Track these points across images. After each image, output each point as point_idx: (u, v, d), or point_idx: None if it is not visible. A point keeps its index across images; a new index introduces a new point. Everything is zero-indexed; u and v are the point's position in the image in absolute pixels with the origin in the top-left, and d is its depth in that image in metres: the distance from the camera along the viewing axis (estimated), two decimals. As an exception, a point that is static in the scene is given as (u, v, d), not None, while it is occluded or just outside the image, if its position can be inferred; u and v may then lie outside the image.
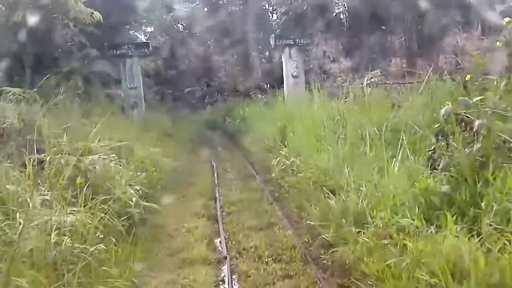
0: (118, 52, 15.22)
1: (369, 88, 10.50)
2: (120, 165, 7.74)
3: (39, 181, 5.01)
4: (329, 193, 5.87)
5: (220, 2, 28.46)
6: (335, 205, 5.42)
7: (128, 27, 19.66)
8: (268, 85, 21.59)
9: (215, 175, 10.66)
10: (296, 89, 15.20)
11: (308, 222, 5.87)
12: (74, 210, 4.61)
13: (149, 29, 28.59)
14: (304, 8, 21.31)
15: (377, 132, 6.45)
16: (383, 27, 21.95)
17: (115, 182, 6.03)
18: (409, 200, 4.36)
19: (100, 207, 4.85)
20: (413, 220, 3.96)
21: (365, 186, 5.20)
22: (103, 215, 4.80)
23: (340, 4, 22.49)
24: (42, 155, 5.58)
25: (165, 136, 14.29)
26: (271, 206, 7.62)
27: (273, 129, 11.09)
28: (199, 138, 17.67)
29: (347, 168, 6.16)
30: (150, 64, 21.46)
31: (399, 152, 5.35)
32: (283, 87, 17.85)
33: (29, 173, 4.88)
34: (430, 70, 8.28)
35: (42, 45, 11.87)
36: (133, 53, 15.44)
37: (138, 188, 6.68)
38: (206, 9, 29.32)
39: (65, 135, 7.15)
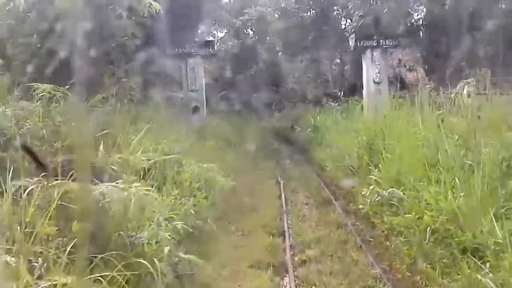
0: (179, 50, 13.44)
1: (469, 99, 8.09)
2: (158, 189, 5.83)
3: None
4: (473, 257, 3.56)
5: (291, 7, 26.75)
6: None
7: (194, 26, 18.00)
8: (342, 92, 19.29)
9: (283, 198, 8.47)
10: (378, 96, 12.74)
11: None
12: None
13: (219, 34, 27.49)
14: (385, 11, 18.86)
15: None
16: (469, 34, 19.24)
17: (142, 220, 4.05)
18: None
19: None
20: None
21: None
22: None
23: (421, 9, 20.02)
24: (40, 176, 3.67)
25: (227, 146, 12.34)
26: (363, 256, 5.29)
27: (355, 144, 8.78)
28: (265, 149, 15.51)
29: (493, 216, 3.80)
30: (215, 66, 19.76)
31: None
32: (359, 94, 15.53)
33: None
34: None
35: (91, 39, 10.24)
36: (196, 52, 13.64)
37: (180, 225, 4.69)
38: (276, 15, 27.70)
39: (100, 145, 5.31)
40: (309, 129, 14.83)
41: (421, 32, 20.57)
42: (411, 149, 6.08)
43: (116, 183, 3.83)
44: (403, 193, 5.63)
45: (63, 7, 9.15)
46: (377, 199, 5.84)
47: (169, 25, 13.04)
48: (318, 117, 14.99)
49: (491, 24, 17.96)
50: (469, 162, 4.98)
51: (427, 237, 4.38)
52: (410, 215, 4.95)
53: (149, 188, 5.22)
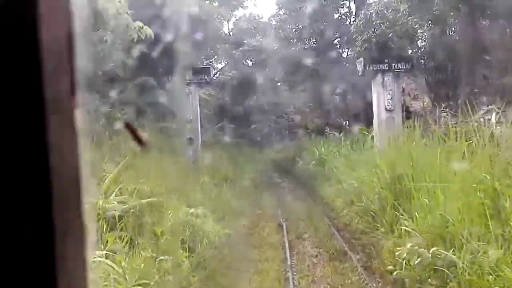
0: (172, 78, 12.06)
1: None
2: (130, 245, 4.33)
3: None
4: None
5: (291, 36, 25.82)
6: None
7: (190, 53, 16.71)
8: (347, 121, 17.90)
9: (287, 248, 6.83)
10: (390, 126, 11.27)
11: None
12: None
13: (219, 65, 26.53)
14: (390, 35, 17.69)
15: None
16: (478, 60, 18.05)
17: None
18: None
19: None
20: None
21: None
22: None
23: (424, 36, 18.89)
24: None
25: (222, 181, 10.79)
26: None
27: (373, 182, 7.24)
28: (264, 184, 13.89)
29: None
30: (213, 96, 18.42)
31: None
32: (365, 123, 14.13)
33: None
34: None
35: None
36: (191, 79, 12.26)
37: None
38: (276, 45, 26.75)
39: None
40: (313, 162, 13.25)
41: (424, 60, 19.38)
42: (462, 194, 4.53)
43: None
44: (454, 254, 4.07)
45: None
46: (417, 261, 4.26)
47: (162, 51, 11.72)
48: (323, 149, 13.45)
49: (501, 51, 16.78)
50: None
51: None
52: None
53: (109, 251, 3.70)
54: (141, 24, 9.33)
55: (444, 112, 13.34)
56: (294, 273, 5.78)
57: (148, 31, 9.45)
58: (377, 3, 18.75)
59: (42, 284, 0.37)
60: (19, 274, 0.36)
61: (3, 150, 0.36)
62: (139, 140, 0.65)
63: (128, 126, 0.65)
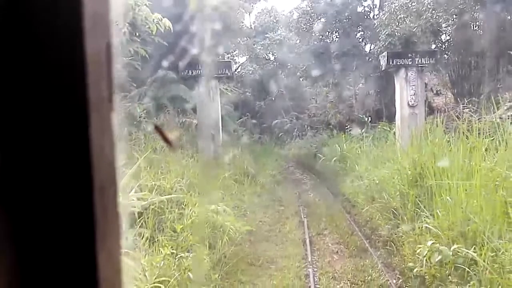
0: (193, 72, 12.12)
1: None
2: (150, 241, 4.40)
3: None
4: None
5: (313, 30, 25.57)
6: None
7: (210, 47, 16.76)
8: (369, 117, 17.72)
9: (307, 244, 6.87)
10: (412, 122, 11.15)
11: None
12: None
13: (240, 59, 26.48)
14: (414, 29, 17.40)
15: None
16: (502, 55, 17.61)
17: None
18: None
19: None
20: None
21: None
22: None
23: (448, 30, 18.51)
24: None
25: (244, 176, 10.87)
26: None
27: (394, 178, 7.20)
28: (286, 180, 13.91)
29: None
30: (234, 91, 18.44)
31: None
32: (387, 119, 14.06)
33: None
34: None
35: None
36: (212, 74, 12.32)
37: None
38: (298, 40, 26.56)
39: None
40: (335, 158, 13.20)
41: (447, 55, 19.00)
42: (484, 192, 4.49)
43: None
44: (475, 252, 4.05)
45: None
46: (438, 259, 4.24)
47: (182, 44, 11.80)
48: (345, 145, 13.38)
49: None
50: None
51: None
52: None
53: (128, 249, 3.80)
54: (160, 16, 9.36)
55: (467, 108, 13.12)
56: (315, 269, 5.82)
57: (168, 23, 9.43)
58: (401, -5, 18.47)
59: (84, 256, 0.43)
60: (66, 249, 0.43)
61: (53, 144, 0.42)
62: (167, 141, 0.70)
63: (157, 128, 0.71)
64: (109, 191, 0.45)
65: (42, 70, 0.41)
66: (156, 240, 4.93)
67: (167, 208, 5.51)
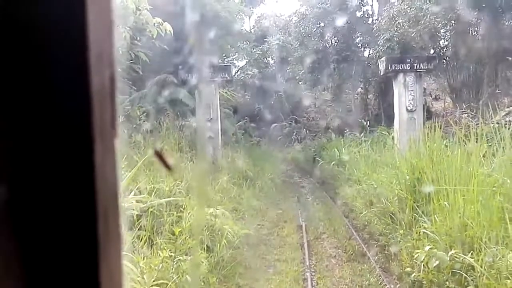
0: (193, 76, 12.16)
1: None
2: (148, 244, 4.41)
3: None
4: None
5: (312, 34, 25.65)
6: None
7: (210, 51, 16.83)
8: (368, 122, 17.77)
9: (305, 248, 6.89)
10: (411, 126, 11.20)
11: None
12: None
13: (239, 63, 26.52)
14: (413, 34, 17.46)
15: None
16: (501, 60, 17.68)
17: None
18: None
19: None
20: None
21: None
22: None
23: (447, 36, 18.58)
24: None
25: (242, 180, 10.89)
26: None
27: (393, 183, 7.23)
28: (284, 183, 13.93)
29: None
30: (233, 95, 18.47)
31: None
32: (386, 124, 14.12)
33: None
34: None
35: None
36: (211, 77, 12.36)
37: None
38: (297, 44, 26.64)
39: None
40: (333, 162, 13.23)
41: (446, 60, 19.06)
42: (481, 197, 4.51)
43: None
44: (472, 258, 4.06)
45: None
46: (435, 264, 4.26)
47: (182, 48, 11.83)
48: (343, 149, 13.41)
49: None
50: None
51: None
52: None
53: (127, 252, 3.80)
54: (160, 20, 9.40)
55: (465, 113, 13.17)
56: (313, 274, 5.83)
57: (168, 27, 9.47)
58: (400, 1, 18.54)
59: (88, 277, 0.45)
60: (69, 272, 0.45)
61: (59, 172, 0.44)
62: (167, 166, 0.72)
63: (157, 153, 0.72)
64: (112, 214, 0.47)
65: (51, 103, 0.42)
66: (154, 242, 4.94)
67: (165, 211, 5.53)
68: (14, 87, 0.42)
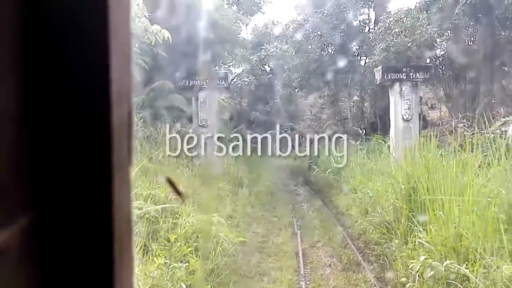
0: (190, 83, 12.21)
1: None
2: (143, 251, 4.41)
3: None
4: None
5: (309, 42, 25.78)
6: None
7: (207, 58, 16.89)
8: (364, 130, 17.85)
9: (300, 256, 6.91)
10: (406, 135, 11.28)
11: None
12: None
13: (236, 70, 26.63)
14: (409, 44, 17.60)
15: None
16: (497, 70, 17.84)
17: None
18: None
19: None
20: None
21: None
22: None
23: (443, 45, 18.75)
24: None
25: (238, 187, 10.93)
26: None
27: (388, 192, 7.27)
28: (280, 191, 13.96)
29: None
30: (230, 102, 18.51)
31: None
32: (382, 132, 14.23)
33: None
34: None
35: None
36: (208, 84, 12.42)
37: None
38: (294, 52, 26.77)
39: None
40: (329, 170, 13.28)
41: (442, 69, 19.22)
42: (476, 208, 4.56)
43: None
44: (467, 269, 4.10)
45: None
46: (430, 274, 4.29)
47: (180, 55, 11.89)
48: (339, 157, 13.46)
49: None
50: None
51: None
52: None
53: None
54: (159, 27, 9.46)
55: (461, 122, 13.26)
56: (308, 282, 5.84)
57: (166, 34, 9.55)
58: (397, 11, 18.69)
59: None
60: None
61: (79, 199, 0.47)
62: (178, 192, 0.75)
63: (169, 180, 0.75)
64: (126, 239, 0.50)
65: (76, 140, 0.45)
66: (149, 249, 4.94)
67: (161, 218, 5.54)
68: (42, 128, 0.45)
